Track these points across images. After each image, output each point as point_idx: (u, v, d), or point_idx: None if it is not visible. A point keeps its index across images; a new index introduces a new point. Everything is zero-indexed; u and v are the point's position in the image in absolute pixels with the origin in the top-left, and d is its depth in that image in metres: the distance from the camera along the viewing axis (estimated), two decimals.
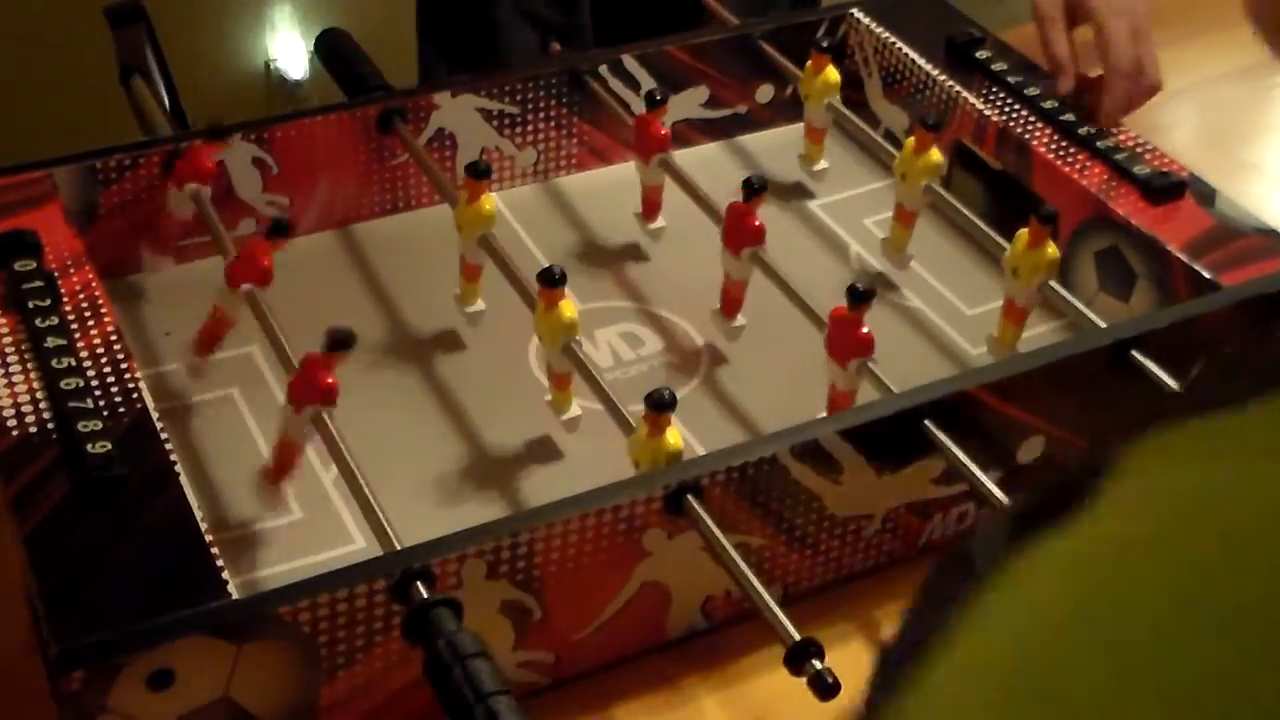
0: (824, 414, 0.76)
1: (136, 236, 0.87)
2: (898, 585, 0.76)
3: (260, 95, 2.15)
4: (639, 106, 0.93)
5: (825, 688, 0.60)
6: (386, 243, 0.93)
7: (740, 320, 0.85)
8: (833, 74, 0.94)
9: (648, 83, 0.98)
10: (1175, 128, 1.07)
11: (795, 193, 1.00)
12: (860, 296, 0.75)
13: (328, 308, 0.86)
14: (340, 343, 0.70)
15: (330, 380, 0.70)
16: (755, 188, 0.82)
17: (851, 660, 0.72)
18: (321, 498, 0.76)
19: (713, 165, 0.99)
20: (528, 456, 0.79)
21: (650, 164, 0.90)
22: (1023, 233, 0.79)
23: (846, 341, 0.75)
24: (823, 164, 0.97)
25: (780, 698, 0.68)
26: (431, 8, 1.27)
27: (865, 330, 0.75)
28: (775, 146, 1.03)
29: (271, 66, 2.11)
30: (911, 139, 0.86)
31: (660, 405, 0.69)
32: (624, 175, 0.99)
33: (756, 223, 0.82)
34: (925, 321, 0.89)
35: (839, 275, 0.92)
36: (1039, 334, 0.88)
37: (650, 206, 0.92)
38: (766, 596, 0.64)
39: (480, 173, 0.82)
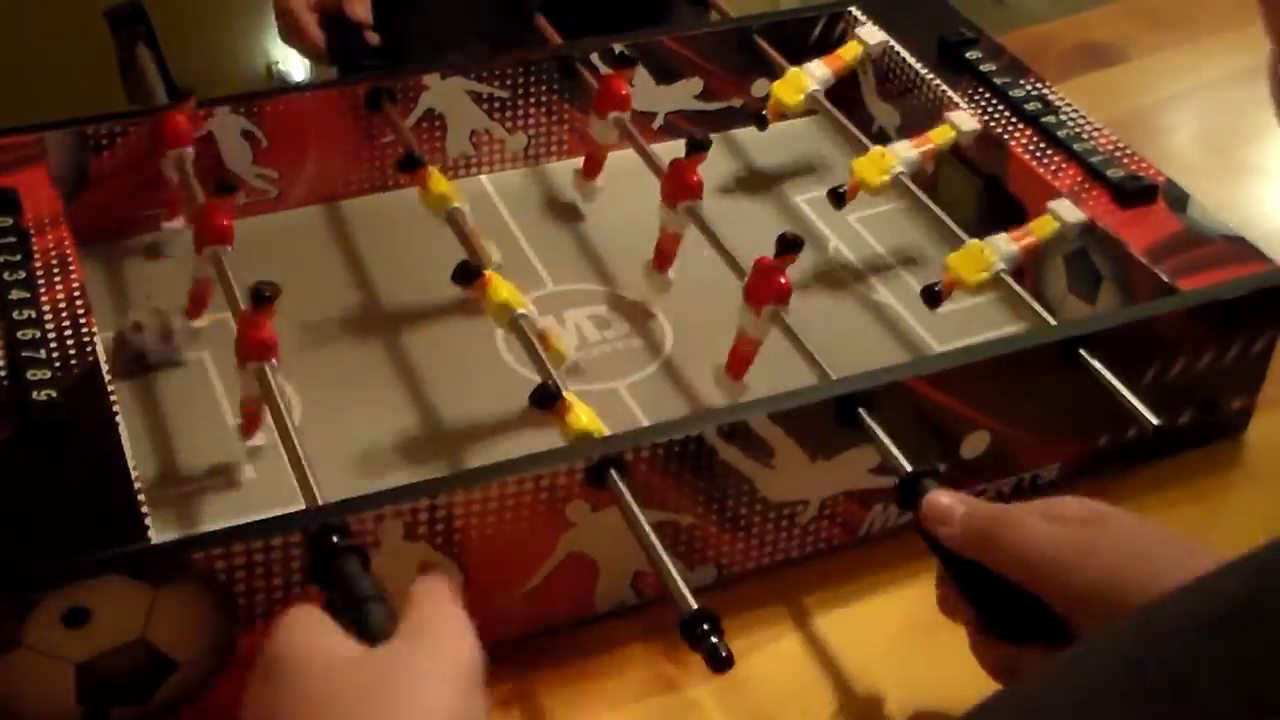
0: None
1: (126, 202, 0.90)
2: (835, 573, 0.77)
3: None
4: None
5: (718, 660, 0.61)
6: (370, 219, 0.95)
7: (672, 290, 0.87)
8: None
9: (641, 73, 0.99)
10: (1176, 130, 1.06)
11: (781, 186, 1.00)
12: (788, 246, 0.77)
13: (308, 279, 0.88)
14: (262, 297, 0.73)
15: (264, 335, 0.73)
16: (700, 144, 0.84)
17: (784, 646, 0.73)
18: (276, 462, 0.78)
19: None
20: (485, 431, 0.81)
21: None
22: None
23: (764, 288, 0.77)
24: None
25: (783, 699, 0.70)
26: None
27: (784, 280, 0.77)
28: (768, 140, 1.04)
29: (273, 69, 2.13)
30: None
31: (543, 401, 0.71)
32: (614, 163, 1.00)
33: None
34: (893, 316, 0.90)
35: (814, 268, 0.93)
36: (1011, 332, 0.88)
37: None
38: (671, 568, 0.65)
39: (411, 164, 0.85)
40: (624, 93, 0.92)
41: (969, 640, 0.66)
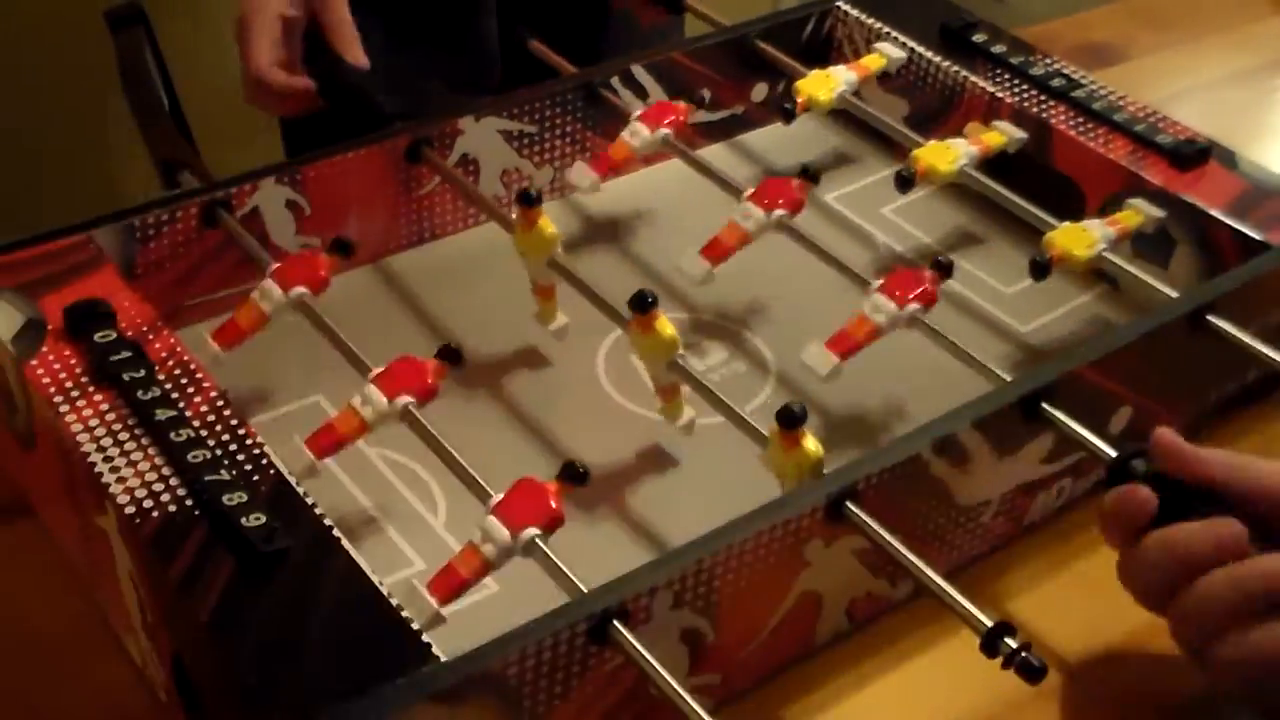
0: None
1: (175, 293, 0.83)
2: (1009, 565, 0.78)
3: None
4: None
5: (1031, 670, 0.61)
6: (420, 273, 0.90)
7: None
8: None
9: (655, 90, 0.97)
10: None
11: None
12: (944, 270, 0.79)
13: (380, 341, 0.83)
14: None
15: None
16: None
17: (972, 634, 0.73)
18: (437, 544, 0.74)
19: (720, 165, 0.99)
20: (631, 471, 0.78)
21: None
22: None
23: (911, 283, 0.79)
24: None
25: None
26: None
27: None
28: (774, 143, 1.04)
29: None
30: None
31: (791, 421, 0.69)
32: (635, 185, 0.99)
33: None
34: (963, 301, 0.91)
35: (874, 262, 0.93)
36: (1082, 303, 0.91)
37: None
38: (943, 583, 0.65)
39: (530, 200, 0.81)
40: (681, 118, 0.90)
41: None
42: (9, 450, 0.77)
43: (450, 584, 0.64)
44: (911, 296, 0.78)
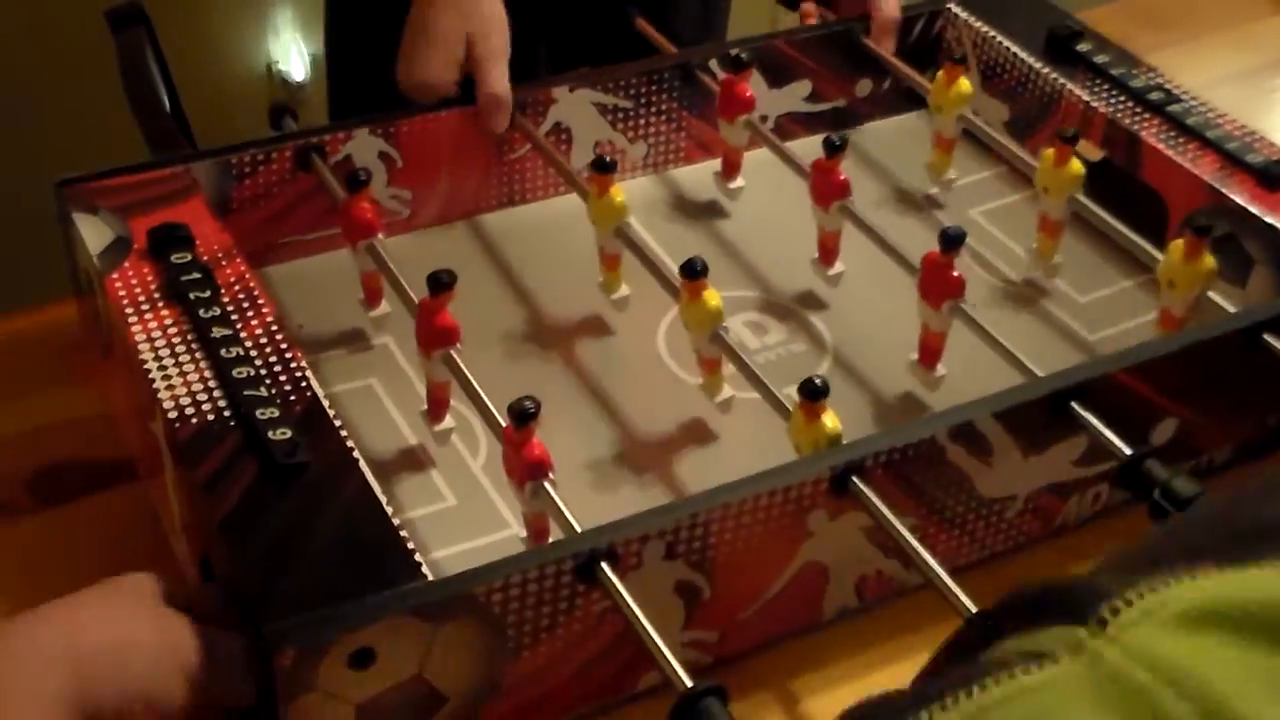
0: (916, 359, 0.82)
1: (267, 230, 0.88)
2: (1035, 564, 0.78)
3: (262, 98, 2.15)
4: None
5: None
6: (507, 234, 0.94)
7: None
8: (965, 85, 0.95)
9: (755, 76, 0.99)
10: None
11: (899, 182, 1.01)
12: (951, 242, 0.79)
13: (461, 296, 0.87)
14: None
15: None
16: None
17: None
18: (472, 484, 0.78)
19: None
20: (679, 440, 0.81)
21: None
22: (1178, 244, 0.81)
23: (939, 284, 0.79)
24: (951, 173, 0.98)
25: None
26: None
27: (956, 274, 0.79)
28: (876, 139, 1.05)
29: (273, 69, 2.10)
30: (1050, 151, 0.87)
31: (814, 394, 0.71)
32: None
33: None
34: (1041, 310, 0.91)
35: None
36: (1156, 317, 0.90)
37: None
38: (938, 569, 0.66)
39: (605, 167, 0.84)
40: (747, 94, 0.92)
41: None
42: (94, 357, 0.83)
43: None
44: (947, 296, 0.80)
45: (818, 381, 0.71)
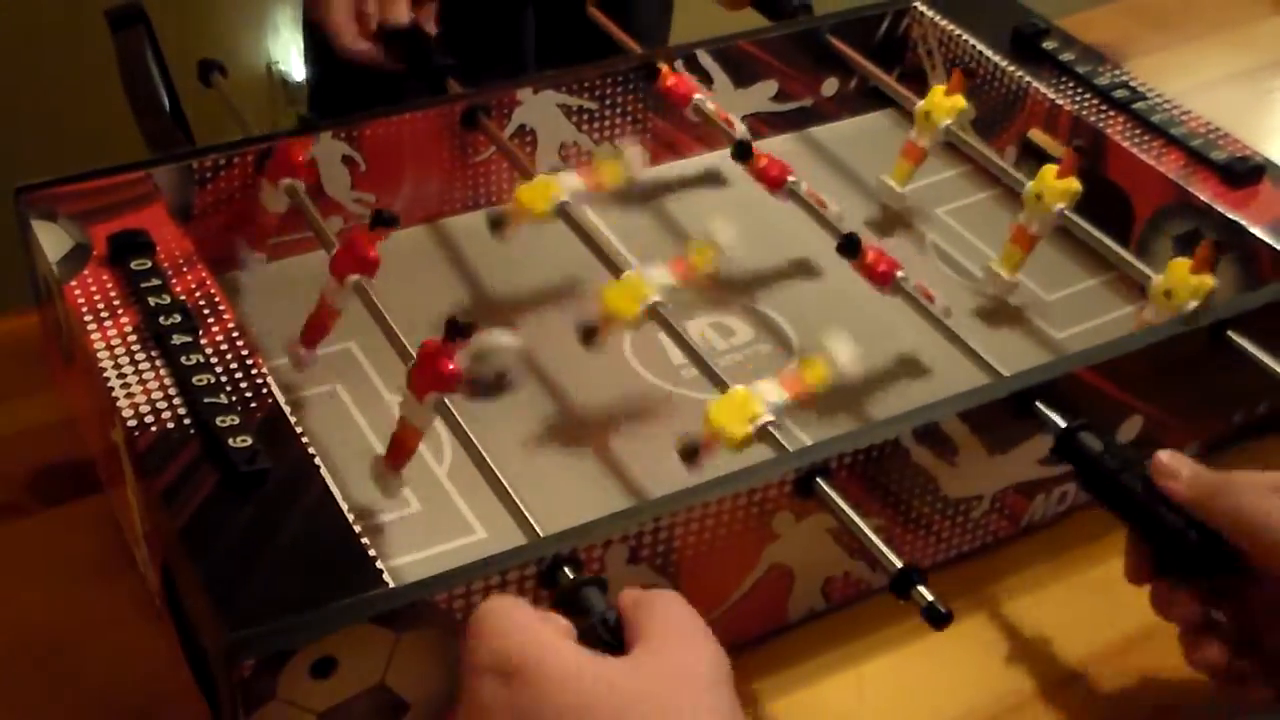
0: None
1: (230, 234, 0.88)
2: (1002, 565, 0.78)
3: (263, 97, 2.14)
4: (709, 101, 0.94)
5: (937, 616, 0.62)
6: (471, 237, 0.94)
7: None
8: (961, 100, 0.94)
9: (720, 76, 0.99)
10: None
11: (867, 181, 1.01)
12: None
13: (426, 300, 0.87)
14: (459, 332, 0.71)
15: (452, 367, 0.71)
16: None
17: (971, 635, 0.74)
18: (436, 489, 0.77)
19: (785, 158, 1.00)
20: (634, 442, 0.80)
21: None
22: (1182, 262, 0.81)
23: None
24: (908, 187, 0.97)
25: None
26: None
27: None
28: (842, 138, 1.05)
29: (273, 68, 2.10)
30: (1053, 166, 0.86)
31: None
32: (693, 168, 1.01)
33: None
34: (1007, 308, 0.91)
35: (920, 262, 0.94)
36: (1124, 314, 0.90)
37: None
38: (897, 561, 0.66)
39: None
40: (683, 91, 0.93)
41: (1152, 600, 0.68)
42: (57, 365, 0.82)
43: (401, 454, 0.72)
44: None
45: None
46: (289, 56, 1.98)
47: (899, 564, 0.65)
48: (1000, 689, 0.72)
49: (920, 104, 0.95)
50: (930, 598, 0.63)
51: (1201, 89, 0.98)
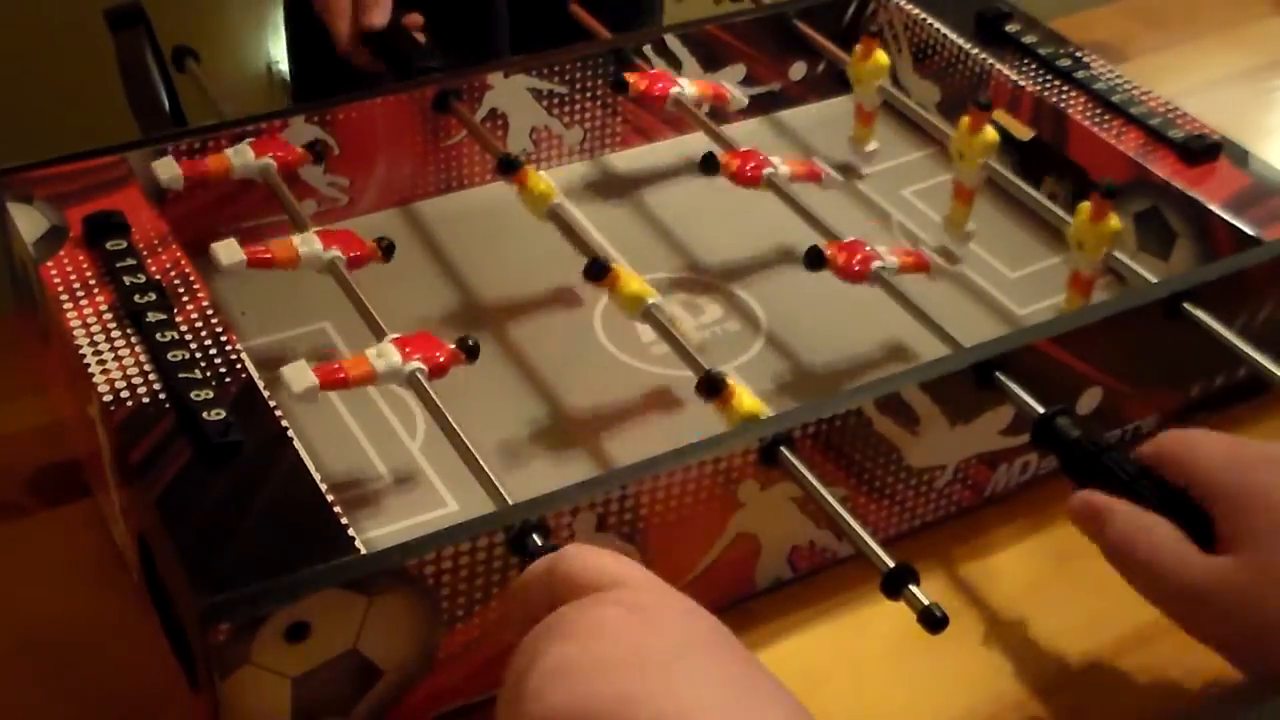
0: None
1: (205, 219, 0.89)
2: (965, 533, 0.79)
3: (262, 97, 2.15)
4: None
5: (933, 620, 0.63)
6: (444, 220, 0.95)
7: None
8: (882, 57, 0.97)
9: (689, 61, 1.01)
10: None
11: (836, 165, 1.03)
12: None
13: (398, 282, 0.88)
14: (469, 352, 0.75)
15: (442, 360, 0.73)
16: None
17: (971, 635, 0.74)
18: (410, 463, 0.78)
19: (754, 140, 1.01)
20: (614, 417, 0.82)
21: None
22: (1084, 206, 0.83)
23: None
24: (873, 145, 1.00)
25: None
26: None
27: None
28: (811, 122, 1.06)
29: (273, 69, 2.10)
30: (966, 118, 0.89)
31: (712, 389, 0.73)
32: (666, 152, 1.02)
33: None
34: (973, 286, 0.93)
35: (887, 243, 0.95)
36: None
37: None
38: (863, 533, 0.67)
39: (509, 166, 0.87)
40: (656, 92, 0.94)
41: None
42: (35, 346, 0.83)
43: (333, 375, 0.73)
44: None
45: (716, 374, 0.73)
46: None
47: (890, 563, 0.64)
48: (1001, 688, 0.72)
49: (848, 66, 1.00)
50: (925, 601, 0.63)
51: (1201, 89, 0.99)
